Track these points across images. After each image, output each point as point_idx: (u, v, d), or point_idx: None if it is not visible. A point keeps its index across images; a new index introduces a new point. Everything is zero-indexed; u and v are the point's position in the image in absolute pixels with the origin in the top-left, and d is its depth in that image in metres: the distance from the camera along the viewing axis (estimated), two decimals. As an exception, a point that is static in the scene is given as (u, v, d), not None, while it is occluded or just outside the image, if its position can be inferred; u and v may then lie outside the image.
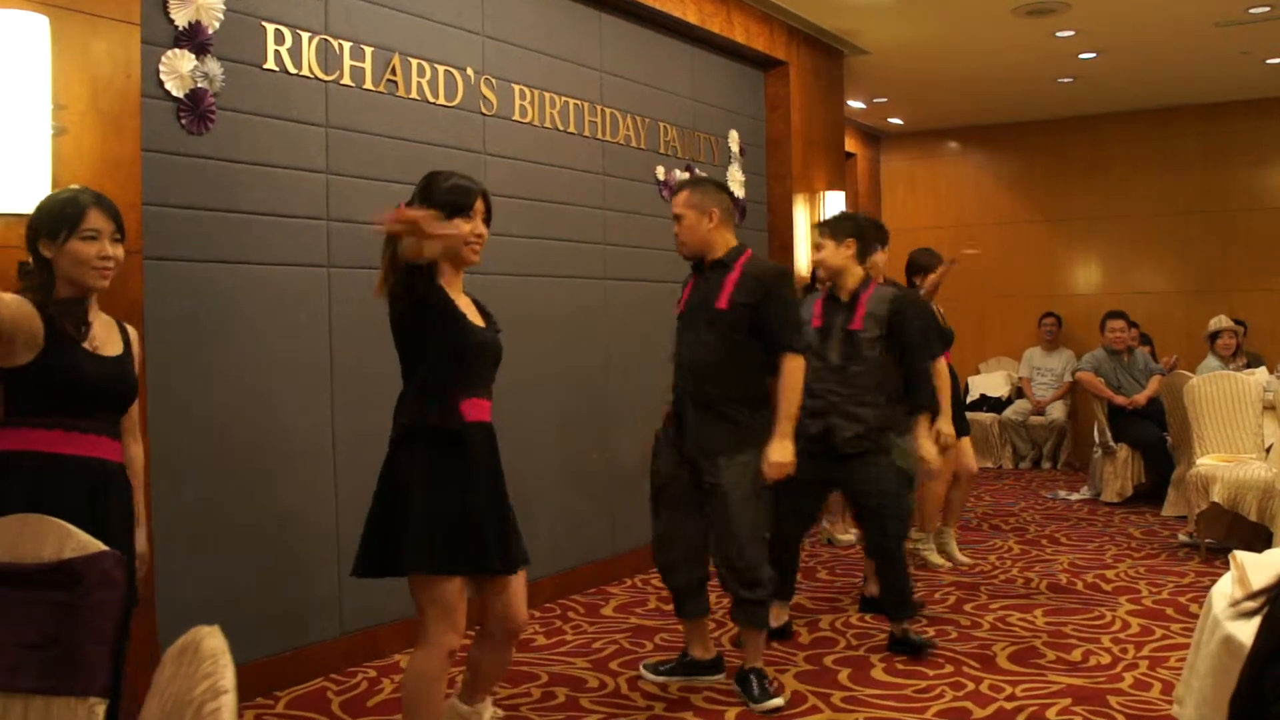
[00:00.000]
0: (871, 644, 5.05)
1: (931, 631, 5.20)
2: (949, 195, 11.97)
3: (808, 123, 8.24)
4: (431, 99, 5.26)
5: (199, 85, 4.23)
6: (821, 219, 5.56)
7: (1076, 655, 4.86)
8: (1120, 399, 8.62)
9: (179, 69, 4.16)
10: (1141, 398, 8.59)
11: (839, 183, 8.67)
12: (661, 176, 6.86)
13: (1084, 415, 10.18)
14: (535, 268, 5.86)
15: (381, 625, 4.88)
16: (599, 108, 6.35)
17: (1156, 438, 8.49)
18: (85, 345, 2.98)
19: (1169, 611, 5.53)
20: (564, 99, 6.08)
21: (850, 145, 10.38)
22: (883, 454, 4.83)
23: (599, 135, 6.35)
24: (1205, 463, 6.78)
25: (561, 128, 6.06)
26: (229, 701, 1.37)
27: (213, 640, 1.52)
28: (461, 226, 3.30)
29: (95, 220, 2.97)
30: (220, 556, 4.32)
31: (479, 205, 3.38)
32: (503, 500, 3.39)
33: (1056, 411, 10.76)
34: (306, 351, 4.71)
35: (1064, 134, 11.41)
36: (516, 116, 5.75)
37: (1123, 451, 8.66)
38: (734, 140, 7.62)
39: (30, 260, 3.01)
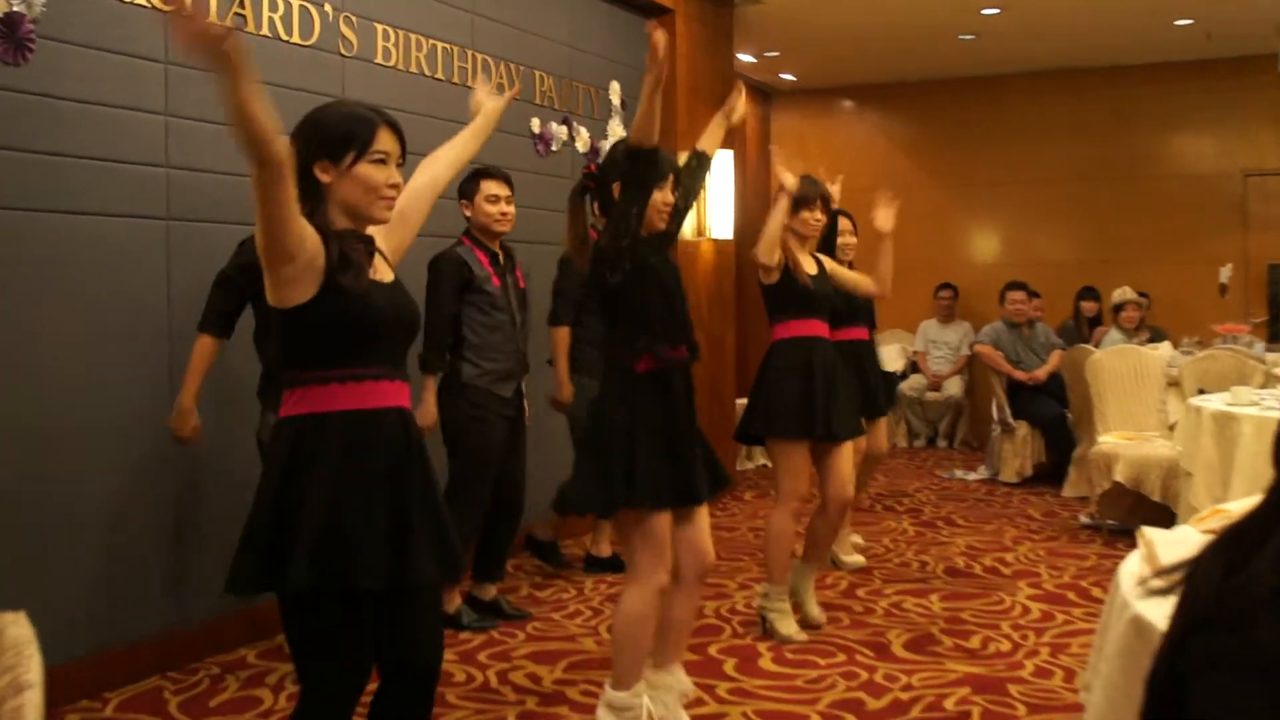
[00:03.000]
0: (758, 632, 5.05)
1: (824, 619, 5.23)
2: (842, 158, 11.97)
3: (694, 75, 8.19)
4: (284, 37, 5.09)
5: (14, 9, 4.01)
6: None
7: (975, 642, 4.93)
8: (1020, 374, 8.78)
9: (-8, -9, 3.96)
10: (1042, 373, 8.77)
11: (726, 140, 8.64)
12: (537, 129, 6.75)
13: (982, 391, 10.34)
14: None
15: (224, 617, 4.73)
16: (469, 53, 6.23)
17: (1057, 415, 8.66)
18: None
19: (1071, 596, 5.64)
20: (431, 42, 5.94)
21: (740, 102, 10.38)
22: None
23: (469, 82, 6.21)
24: (1107, 441, 6.93)
25: (429, 73, 5.92)
26: (33, 698, 1.26)
27: (16, 629, 1.41)
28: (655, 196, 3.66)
29: (386, 141, 2.69)
30: (40, 542, 4.14)
31: (671, 176, 3.77)
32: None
33: (953, 387, 10.91)
34: (142, 313, 4.53)
35: (965, 95, 11.56)
36: (379, 59, 5.60)
37: (1022, 429, 8.82)
38: (615, 92, 7.55)
39: None
